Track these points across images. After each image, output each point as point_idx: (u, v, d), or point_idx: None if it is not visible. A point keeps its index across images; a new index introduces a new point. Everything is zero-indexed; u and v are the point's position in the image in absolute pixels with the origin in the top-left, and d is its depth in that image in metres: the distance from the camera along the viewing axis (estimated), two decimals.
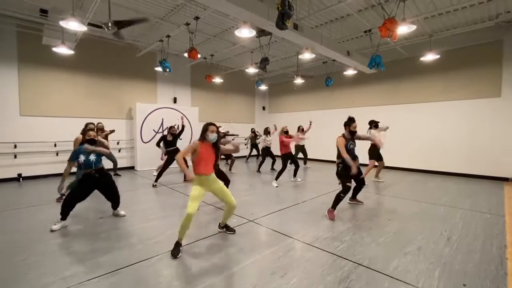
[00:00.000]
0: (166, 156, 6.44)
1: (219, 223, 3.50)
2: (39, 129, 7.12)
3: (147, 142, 8.84)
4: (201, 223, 3.79)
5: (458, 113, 7.73)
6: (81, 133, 4.94)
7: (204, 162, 2.99)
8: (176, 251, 2.78)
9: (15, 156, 6.77)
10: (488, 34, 6.77)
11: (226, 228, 3.44)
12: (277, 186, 6.15)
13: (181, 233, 2.83)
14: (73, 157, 3.74)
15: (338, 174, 4.20)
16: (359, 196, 4.77)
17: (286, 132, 6.63)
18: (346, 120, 4.16)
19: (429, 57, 6.75)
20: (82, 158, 3.63)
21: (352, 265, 2.58)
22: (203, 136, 3.04)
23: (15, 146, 6.75)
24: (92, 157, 3.68)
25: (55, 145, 7.32)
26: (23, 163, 6.89)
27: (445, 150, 7.94)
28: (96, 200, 4.90)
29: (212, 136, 3.00)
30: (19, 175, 6.82)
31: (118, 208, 4.07)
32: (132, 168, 8.79)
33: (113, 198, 3.97)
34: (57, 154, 7.37)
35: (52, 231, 3.40)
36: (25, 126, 6.91)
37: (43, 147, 7.18)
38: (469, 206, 4.64)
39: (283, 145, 6.36)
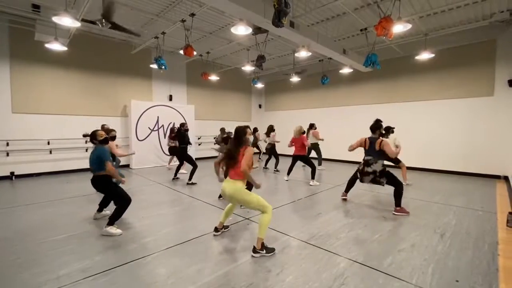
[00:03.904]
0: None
1: (216, 227, 3.32)
2: (31, 127, 7.01)
3: (143, 140, 8.77)
4: (196, 222, 3.78)
5: (452, 112, 7.82)
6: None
7: None
8: (270, 248, 2.79)
9: (7, 154, 6.66)
10: (482, 34, 6.84)
11: (225, 227, 3.42)
12: (319, 184, 6.22)
13: (265, 233, 2.79)
14: (109, 157, 3.45)
15: (386, 175, 4.25)
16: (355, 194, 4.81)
17: (304, 133, 6.52)
18: (375, 124, 4.38)
19: (424, 56, 6.80)
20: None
21: (348, 262, 2.60)
22: (243, 140, 2.89)
23: (7, 144, 6.64)
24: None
25: (48, 143, 7.22)
26: (15, 161, 6.79)
27: (439, 148, 8.04)
28: (89, 199, 4.86)
29: (251, 139, 3.00)
30: (12, 173, 6.72)
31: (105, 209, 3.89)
32: (127, 166, 8.72)
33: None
34: (50, 152, 7.27)
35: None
36: (18, 124, 6.80)
37: (36, 145, 7.07)
38: (462, 203, 4.71)
39: (304, 146, 6.33)
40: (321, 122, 10.64)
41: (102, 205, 3.87)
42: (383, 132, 4.27)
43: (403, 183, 6.17)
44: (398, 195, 4.16)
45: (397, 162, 6.32)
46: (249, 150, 2.85)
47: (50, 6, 5.65)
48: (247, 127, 2.99)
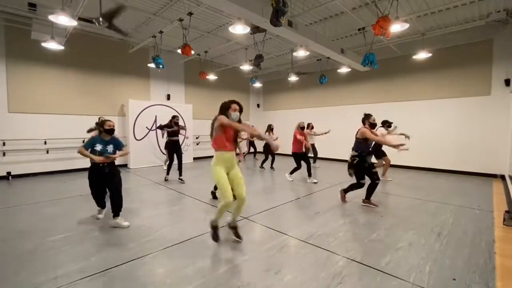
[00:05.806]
0: (167, 150, 6.56)
1: (229, 223, 3.17)
2: (28, 127, 6.96)
3: (140, 139, 8.74)
4: (195, 220, 3.78)
5: (449, 111, 7.86)
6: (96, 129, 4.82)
7: (228, 139, 2.88)
8: (215, 235, 2.93)
9: (4, 154, 6.61)
10: (478, 33, 6.88)
11: (234, 232, 3.08)
12: (292, 180, 6.34)
13: (218, 217, 2.85)
14: (87, 144, 3.44)
15: (353, 166, 4.33)
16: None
17: (302, 128, 6.49)
18: (363, 117, 4.39)
19: (422, 55, 6.83)
20: (99, 147, 3.41)
21: (345, 261, 2.61)
22: (224, 114, 2.85)
23: (4, 144, 6.59)
24: (110, 149, 3.50)
25: (45, 143, 7.17)
26: (12, 161, 6.74)
27: (436, 147, 8.07)
28: (86, 199, 4.84)
29: (235, 115, 2.85)
30: (8, 173, 6.67)
31: (120, 217, 3.52)
32: (125, 166, 8.68)
33: (115, 198, 3.49)
34: (47, 152, 7.23)
35: (98, 219, 3.75)
36: (14, 123, 6.75)
37: (33, 144, 7.02)
38: (459, 202, 4.73)
39: (297, 141, 6.25)
40: (320, 122, 10.65)
41: (113, 208, 3.53)
42: (374, 123, 4.35)
43: (380, 178, 6.23)
44: (367, 190, 4.39)
45: (381, 156, 6.40)
46: (218, 117, 2.82)
47: (46, 4, 5.61)
48: (233, 101, 2.89)
